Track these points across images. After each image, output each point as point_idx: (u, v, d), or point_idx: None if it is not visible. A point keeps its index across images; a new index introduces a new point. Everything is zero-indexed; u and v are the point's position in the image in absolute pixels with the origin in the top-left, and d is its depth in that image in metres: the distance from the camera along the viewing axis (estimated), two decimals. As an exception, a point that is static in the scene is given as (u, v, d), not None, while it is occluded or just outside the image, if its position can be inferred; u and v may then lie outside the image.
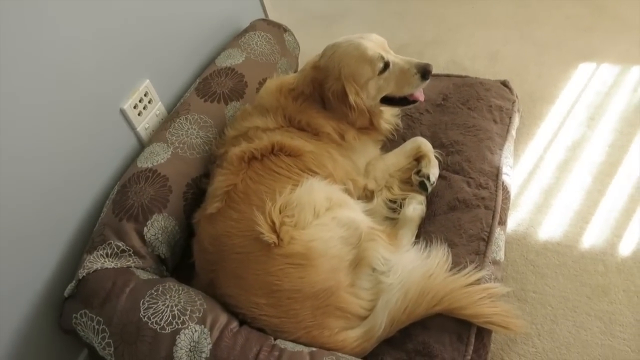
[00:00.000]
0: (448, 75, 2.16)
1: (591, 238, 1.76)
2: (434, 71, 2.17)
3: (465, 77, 2.13)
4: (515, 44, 2.64)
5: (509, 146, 1.86)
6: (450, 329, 1.37)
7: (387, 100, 1.73)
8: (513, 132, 1.93)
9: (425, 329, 1.38)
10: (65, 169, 1.52)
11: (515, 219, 1.86)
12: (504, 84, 2.08)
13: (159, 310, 1.30)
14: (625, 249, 1.71)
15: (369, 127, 1.76)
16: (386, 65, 1.64)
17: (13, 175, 1.35)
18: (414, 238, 1.60)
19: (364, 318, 1.39)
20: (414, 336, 1.37)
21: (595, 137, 2.09)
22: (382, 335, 1.36)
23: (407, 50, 2.63)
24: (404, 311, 1.36)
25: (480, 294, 1.38)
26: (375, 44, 1.66)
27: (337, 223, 1.45)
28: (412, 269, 1.43)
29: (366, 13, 3.16)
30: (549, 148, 2.08)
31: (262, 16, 2.53)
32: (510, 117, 1.94)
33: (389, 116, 1.85)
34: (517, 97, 2.05)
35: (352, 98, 1.64)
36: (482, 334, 1.37)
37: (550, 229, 1.82)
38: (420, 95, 1.74)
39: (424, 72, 1.65)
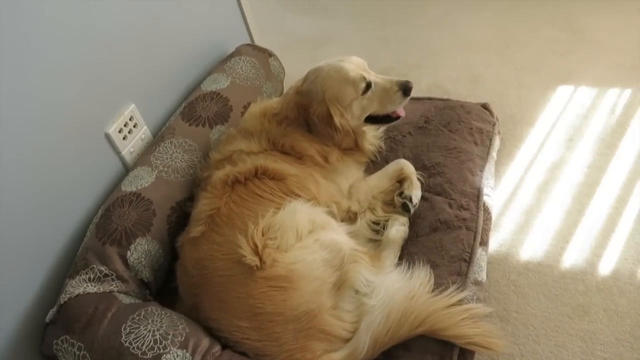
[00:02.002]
0: (430, 98, 2.21)
1: (571, 258, 1.79)
2: (417, 94, 2.23)
3: (447, 100, 2.18)
4: (496, 67, 2.70)
5: (489, 167, 1.89)
6: (433, 350, 1.37)
7: (371, 119, 1.77)
8: (494, 153, 1.97)
9: (407, 351, 1.38)
10: (50, 193, 1.52)
11: (497, 240, 1.89)
12: (485, 106, 2.13)
13: (141, 335, 1.30)
14: (605, 268, 1.73)
15: (354, 148, 1.79)
16: (368, 85, 1.69)
17: (-6, 200, 1.35)
18: (396, 259, 1.61)
19: (347, 340, 1.39)
20: (396, 358, 1.37)
21: (574, 158, 2.13)
22: (365, 358, 1.36)
23: (391, 74, 2.63)
24: (387, 333, 1.36)
25: (462, 315, 1.39)
26: (356, 65, 1.71)
27: (320, 245, 1.46)
28: (394, 291, 1.44)
29: (351, 37, 3.22)
30: (530, 169, 2.12)
31: (248, 41, 2.58)
32: (491, 139, 1.98)
33: (372, 137, 1.89)
34: (497, 119, 2.09)
35: (337, 120, 1.67)
36: (465, 355, 1.38)
37: (531, 249, 1.84)
38: (401, 111, 1.79)
39: (405, 89, 1.70)
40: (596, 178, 2.03)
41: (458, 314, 1.39)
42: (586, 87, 2.47)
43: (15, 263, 1.43)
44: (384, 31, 3.20)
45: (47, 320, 1.39)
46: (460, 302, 1.43)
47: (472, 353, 1.40)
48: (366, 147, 1.82)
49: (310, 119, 1.70)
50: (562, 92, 2.46)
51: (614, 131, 2.21)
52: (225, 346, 1.37)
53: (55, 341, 1.35)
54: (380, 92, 1.71)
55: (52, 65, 1.50)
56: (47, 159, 1.51)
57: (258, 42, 2.63)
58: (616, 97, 2.37)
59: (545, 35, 2.85)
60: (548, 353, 1.56)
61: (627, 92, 2.38)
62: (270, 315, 1.34)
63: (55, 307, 1.40)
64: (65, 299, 1.39)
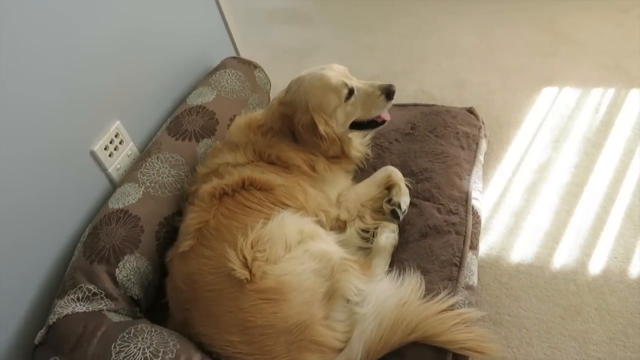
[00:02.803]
0: (415, 105, 2.22)
1: (562, 258, 1.79)
2: (403, 101, 2.25)
3: (433, 105, 2.19)
4: (481, 72, 2.72)
5: (477, 171, 1.90)
6: (427, 357, 1.37)
7: (357, 125, 1.78)
8: (481, 157, 1.98)
9: (401, 358, 1.37)
10: (35, 212, 1.51)
11: (487, 243, 1.89)
12: (470, 110, 2.14)
13: (131, 354, 1.28)
14: (595, 268, 1.74)
15: (340, 156, 1.80)
16: (351, 91, 1.69)
17: (-21, 222, 1.34)
18: (387, 267, 1.61)
19: (340, 350, 1.38)
20: (390, 366, 1.37)
21: (560, 158, 2.14)
22: (359, 367, 1.35)
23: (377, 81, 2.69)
24: (380, 341, 1.36)
25: (454, 320, 1.38)
26: (337, 72, 1.72)
27: (310, 256, 1.45)
28: (385, 298, 1.43)
29: (336, 47, 3.24)
30: (517, 171, 2.13)
31: (233, 53, 2.58)
32: (477, 143, 1.99)
33: (358, 145, 1.89)
34: (483, 123, 2.11)
35: (322, 128, 1.67)
36: (459, 360, 1.38)
37: (521, 251, 1.84)
38: (386, 115, 1.79)
39: (388, 92, 1.71)
40: (583, 178, 2.04)
41: (450, 319, 1.38)
42: (570, 87, 2.49)
43: (2, 285, 1.41)
44: (368, 40, 3.22)
45: (36, 342, 1.37)
46: (452, 307, 1.42)
47: (465, 358, 1.39)
48: (353, 154, 1.83)
49: (295, 129, 1.70)
50: (547, 93, 2.49)
51: (599, 130, 2.23)
52: (216, 361, 1.36)
53: (44, 363, 1.34)
54: (363, 98, 1.71)
55: (35, 85, 1.50)
56: (32, 179, 1.50)
57: (243, 54, 2.63)
58: (600, 97, 2.40)
59: (528, 39, 2.89)
60: (542, 355, 1.56)
61: (611, 92, 2.41)
62: (262, 329, 1.33)
63: (44, 328, 1.38)
64: (54, 320, 1.38)
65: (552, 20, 2.98)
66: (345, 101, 1.69)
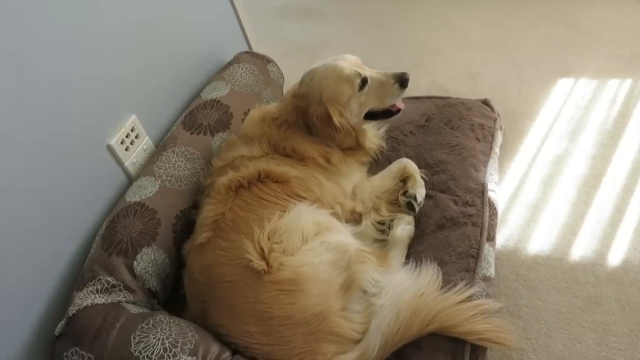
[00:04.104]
0: (430, 97, 2.21)
1: (580, 250, 1.77)
2: (416, 94, 2.24)
3: (447, 97, 2.18)
4: (495, 64, 2.70)
5: (493, 163, 1.88)
6: (445, 347, 1.36)
7: (372, 116, 1.77)
8: (496, 149, 1.96)
9: (419, 349, 1.37)
10: (54, 206, 1.52)
11: (504, 235, 1.88)
12: (485, 102, 2.12)
13: (150, 344, 1.29)
14: (614, 259, 1.72)
15: (355, 147, 1.79)
16: (364, 80, 1.68)
17: (0, 214, 1.35)
18: (403, 258, 1.60)
19: (357, 341, 1.38)
20: (407, 357, 1.36)
21: (577, 150, 2.12)
22: (376, 358, 1.34)
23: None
24: (397, 332, 1.35)
25: (472, 311, 1.37)
26: (350, 63, 1.71)
27: (326, 247, 1.45)
28: (403, 290, 1.43)
29: (348, 42, 3.23)
30: (533, 163, 2.11)
31: (246, 49, 2.59)
32: (493, 135, 1.98)
33: (373, 137, 1.88)
34: (498, 114, 2.09)
35: (336, 119, 1.67)
36: (477, 351, 1.36)
37: (539, 243, 1.83)
38: (401, 104, 1.78)
39: (402, 80, 1.70)
40: (601, 169, 2.02)
41: (468, 310, 1.37)
42: (586, 79, 2.47)
43: (22, 277, 1.43)
44: (380, 34, 3.21)
45: (56, 333, 1.39)
46: (469, 299, 1.41)
47: (484, 349, 1.38)
48: (368, 146, 1.82)
49: (309, 121, 1.70)
50: (562, 85, 2.46)
51: (616, 122, 2.20)
52: (235, 352, 1.36)
53: (65, 354, 1.35)
54: (377, 87, 1.70)
55: (53, 80, 1.51)
56: (51, 174, 1.51)
57: (256, 49, 2.64)
58: (616, 88, 2.37)
59: (542, 30, 2.86)
60: (561, 346, 1.55)
61: (628, 83, 2.38)
62: (279, 319, 1.33)
63: (64, 319, 1.39)
64: (74, 311, 1.39)
65: (566, 12, 2.95)
66: (358, 91, 1.68)
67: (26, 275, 1.44)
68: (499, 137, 2.02)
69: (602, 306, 1.61)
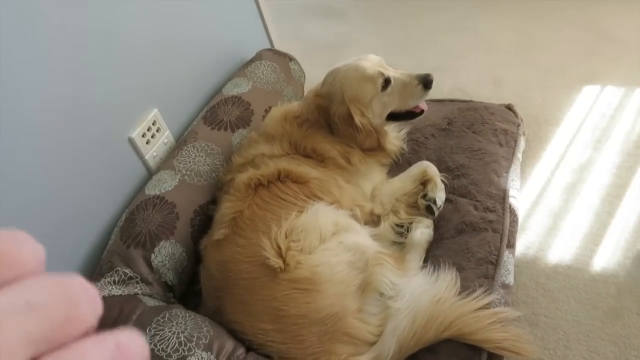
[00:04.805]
0: (452, 100, 2.18)
1: (602, 260, 1.74)
2: (438, 97, 2.22)
3: (470, 101, 2.15)
4: (519, 69, 2.66)
5: (515, 169, 1.86)
6: (460, 354, 1.34)
7: (394, 117, 1.75)
8: (519, 154, 1.93)
9: (434, 355, 1.35)
10: (74, 197, 1.54)
11: (524, 242, 1.85)
12: (509, 107, 2.09)
13: (165, 337, 1.29)
14: (637, 271, 1.68)
15: (376, 148, 1.77)
16: (387, 81, 1.67)
17: (21, 203, 1.37)
18: (421, 262, 1.59)
19: (372, 344, 1.37)
20: (423, 362, 1.34)
21: (602, 159, 2.08)
22: (391, 362, 1.34)
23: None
24: (413, 337, 1.34)
25: (490, 319, 1.35)
26: (373, 63, 1.70)
27: (344, 248, 1.44)
28: (420, 294, 1.41)
29: (369, 42, 3.21)
30: (556, 170, 2.08)
31: (268, 46, 2.59)
32: (516, 140, 1.95)
33: (394, 139, 1.87)
34: (521, 120, 2.06)
35: (357, 119, 1.66)
36: (494, 359, 1.35)
37: (560, 252, 1.79)
38: (424, 105, 1.76)
39: (426, 81, 1.68)
40: (625, 179, 1.98)
41: (486, 318, 1.35)
42: (612, 86, 2.42)
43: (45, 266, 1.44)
44: (402, 35, 3.18)
45: (73, 322, 1.40)
46: (487, 306, 1.39)
47: (500, 358, 1.36)
48: (389, 148, 1.80)
49: (331, 121, 1.69)
50: (588, 92, 2.42)
51: (642, 131, 2.16)
52: (249, 349, 1.36)
53: (81, 343, 1.36)
54: (401, 87, 1.68)
55: (76, 71, 1.52)
56: (72, 165, 1.53)
57: (278, 47, 2.63)
58: (644, 97, 2.32)
59: (568, 36, 2.81)
60: (579, 358, 1.52)
61: (656, 92, 2.33)
62: (295, 318, 1.32)
63: (82, 309, 1.40)
64: (91, 302, 1.39)
65: (593, 18, 2.90)
66: (381, 91, 1.67)
67: (48, 264, 1.45)
68: (522, 143, 1.99)
69: (623, 319, 1.58)
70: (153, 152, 1.84)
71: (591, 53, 2.66)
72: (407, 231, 1.68)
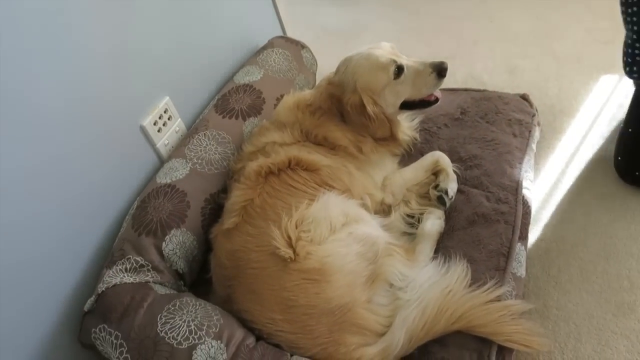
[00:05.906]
0: (466, 89, 2.15)
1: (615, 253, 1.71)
2: (452, 85, 2.19)
3: (484, 91, 2.12)
4: (535, 58, 2.61)
5: (529, 160, 1.83)
6: (470, 346, 1.33)
7: (408, 106, 1.73)
8: (533, 145, 1.90)
9: (444, 346, 1.35)
10: (86, 184, 1.54)
11: (537, 234, 1.83)
12: (524, 97, 2.06)
13: (176, 325, 1.30)
14: (652, 265, 1.66)
15: (389, 138, 1.76)
16: (400, 68, 1.64)
17: (33, 191, 1.37)
18: (432, 253, 1.57)
19: (382, 335, 1.37)
20: (432, 353, 1.34)
21: (618, 150, 2.04)
22: (400, 353, 1.33)
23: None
24: (422, 328, 1.33)
25: (500, 311, 1.34)
26: (385, 51, 1.67)
27: (354, 238, 1.44)
28: (430, 285, 1.41)
29: (382, 29, 3.18)
30: (571, 162, 2.05)
31: (280, 33, 2.57)
32: (530, 131, 1.92)
33: (407, 128, 1.85)
34: (536, 110, 2.02)
35: (370, 108, 1.64)
36: (503, 352, 1.33)
37: (572, 244, 1.77)
38: (438, 93, 1.74)
39: (440, 69, 1.65)
40: (641, 171, 1.94)
41: (496, 310, 1.34)
42: (631, 77, 2.36)
43: (55, 253, 1.46)
44: (416, 23, 3.14)
45: (85, 309, 1.42)
46: (498, 298, 1.38)
47: (510, 351, 1.35)
48: (401, 137, 1.78)
49: (344, 110, 1.67)
50: (605, 82, 2.37)
51: (661, 122, 2.11)
52: (259, 338, 1.37)
53: (93, 330, 1.38)
54: (414, 76, 1.66)
55: (89, 60, 1.52)
56: (84, 152, 1.53)
57: (290, 35, 2.61)
58: (663, 87, 2.26)
59: (586, 25, 2.75)
60: (591, 351, 1.51)
61: (676, 82, 2.27)
62: (304, 308, 1.32)
63: (94, 296, 1.42)
64: (103, 289, 1.41)
65: (613, 5, 2.81)
66: (394, 79, 1.65)
67: (59, 251, 1.47)
68: (537, 134, 1.96)
69: (636, 313, 1.56)
70: (164, 140, 1.84)
71: (610, 42, 2.60)
72: (418, 222, 1.67)
